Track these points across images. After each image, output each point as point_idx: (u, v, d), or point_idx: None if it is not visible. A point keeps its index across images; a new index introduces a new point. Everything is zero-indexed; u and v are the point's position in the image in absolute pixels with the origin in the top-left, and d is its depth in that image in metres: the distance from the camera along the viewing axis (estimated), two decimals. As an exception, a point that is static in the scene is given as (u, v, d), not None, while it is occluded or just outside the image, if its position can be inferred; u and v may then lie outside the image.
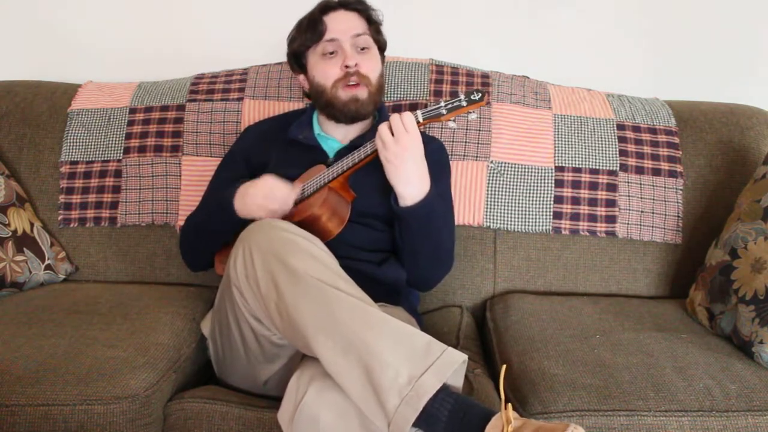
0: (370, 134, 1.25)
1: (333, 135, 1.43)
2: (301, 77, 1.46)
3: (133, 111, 1.70)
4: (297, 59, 1.44)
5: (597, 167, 1.62)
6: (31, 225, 1.59)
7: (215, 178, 1.47)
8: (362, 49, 1.39)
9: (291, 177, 1.34)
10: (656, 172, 1.63)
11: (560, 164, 1.62)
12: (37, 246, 1.56)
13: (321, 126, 1.45)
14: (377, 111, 1.44)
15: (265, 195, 1.26)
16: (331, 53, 1.37)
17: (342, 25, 1.37)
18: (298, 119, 1.47)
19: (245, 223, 1.21)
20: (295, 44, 1.42)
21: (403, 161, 1.21)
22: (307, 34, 1.38)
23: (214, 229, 1.36)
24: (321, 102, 1.40)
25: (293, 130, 1.43)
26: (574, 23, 1.86)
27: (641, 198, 1.61)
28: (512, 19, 1.87)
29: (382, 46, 1.46)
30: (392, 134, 1.21)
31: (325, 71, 1.37)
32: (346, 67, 1.35)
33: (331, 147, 1.42)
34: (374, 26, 1.43)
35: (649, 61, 1.88)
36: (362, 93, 1.36)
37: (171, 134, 1.67)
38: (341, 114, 1.38)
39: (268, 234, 1.09)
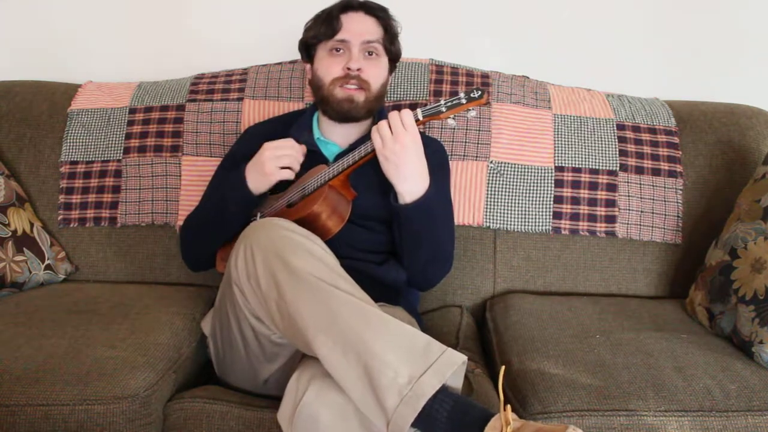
0: (369, 138, 1.26)
1: (333, 139, 1.43)
2: (308, 67, 1.47)
3: (133, 111, 1.70)
4: (307, 49, 1.44)
5: (597, 167, 1.62)
6: (31, 225, 1.59)
7: (215, 179, 1.47)
8: (370, 54, 1.39)
9: (291, 180, 1.34)
10: (656, 172, 1.63)
11: (560, 164, 1.62)
12: (37, 246, 1.56)
13: (321, 129, 1.45)
14: (377, 114, 1.44)
15: (271, 155, 1.28)
16: (339, 50, 1.37)
17: (357, 27, 1.37)
18: (297, 121, 1.47)
19: (245, 221, 1.21)
20: (309, 34, 1.42)
21: (403, 159, 1.22)
22: (321, 28, 1.38)
23: (217, 226, 1.36)
24: (318, 96, 1.41)
25: (293, 134, 1.43)
26: (575, 23, 1.86)
27: (641, 198, 1.61)
28: (512, 19, 1.87)
29: (393, 57, 1.45)
30: (391, 132, 1.21)
31: (328, 67, 1.37)
32: (348, 69, 1.35)
33: (330, 152, 1.42)
34: (390, 36, 1.42)
35: (649, 61, 1.88)
36: (359, 96, 1.36)
37: (171, 134, 1.67)
38: (333, 111, 1.38)
39: (269, 233, 1.09)
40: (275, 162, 1.29)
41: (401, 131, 1.21)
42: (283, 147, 1.31)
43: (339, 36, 1.36)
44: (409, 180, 1.24)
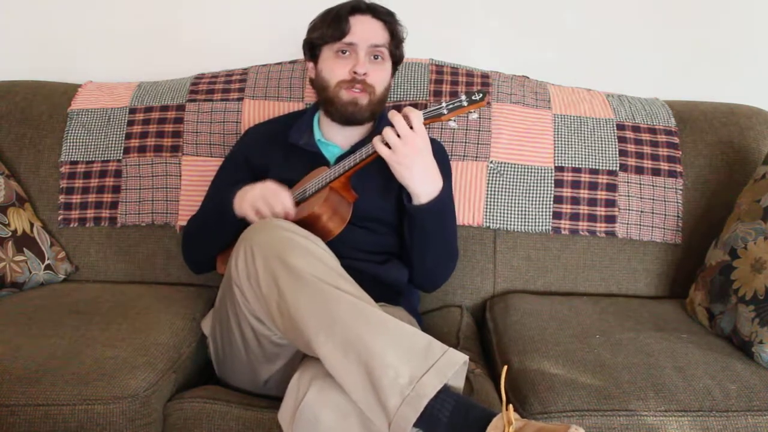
0: (370, 139, 1.25)
1: (333, 140, 1.43)
2: (309, 65, 1.46)
3: (133, 111, 1.70)
4: (312, 48, 1.43)
5: (597, 167, 1.62)
6: (31, 225, 1.59)
7: (216, 180, 1.47)
8: (375, 58, 1.38)
9: (292, 181, 1.34)
10: (656, 172, 1.63)
11: (560, 164, 1.62)
12: (37, 246, 1.56)
13: (322, 131, 1.45)
14: (378, 116, 1.44)
15: (261, 195, 1.26)
16: (345, 53, 1.37)
17: (365, 31, 1.37)
18: (297, 122, 1.47)
19: (244, 225, 1.21)
20: (315, 34, 1.41)
21: (415, 161, 1.21)
22: (329, 29, 1.37)
23: (215, 231, 1.36)
24: (322, 96, 1.41)
25: (293, 135, 1.43)
26: (575, 23, 1.86)
27: (641, 198, 1.61)
28: (512, 19, 1.87)
29: (397, 61, 1.45)
30: (398, 136, 1.20)
31: (333, 69, 1.37)
32: (355, 72, 1.35)
33: (331, 153, 1.42)
34: (395, 41, 1.42)
35: (649, 61, 1.88)
36: (363, 99, 1.36)
37: (171, 134, 1.67)
38: (337, 113, 1.38)
39: (269, 233, 1.09)
40: (255, 204, 1.25)
41: (410, 134, 1.20)
42: (275, 203, 1.24)
43: (347, 39, 1.35)
44: (423, 181, 1.24)
